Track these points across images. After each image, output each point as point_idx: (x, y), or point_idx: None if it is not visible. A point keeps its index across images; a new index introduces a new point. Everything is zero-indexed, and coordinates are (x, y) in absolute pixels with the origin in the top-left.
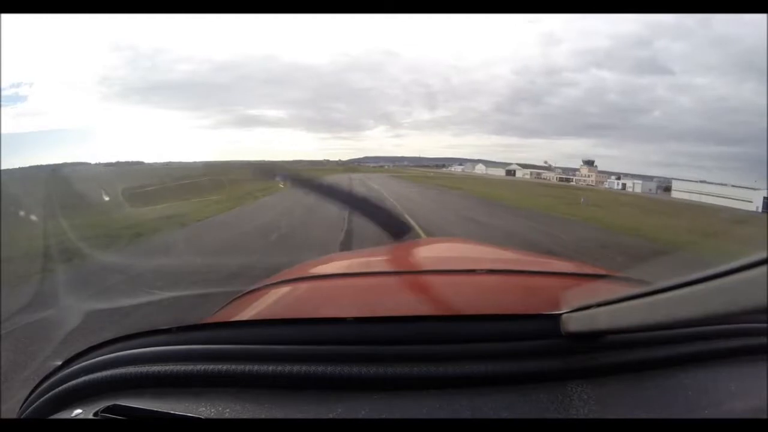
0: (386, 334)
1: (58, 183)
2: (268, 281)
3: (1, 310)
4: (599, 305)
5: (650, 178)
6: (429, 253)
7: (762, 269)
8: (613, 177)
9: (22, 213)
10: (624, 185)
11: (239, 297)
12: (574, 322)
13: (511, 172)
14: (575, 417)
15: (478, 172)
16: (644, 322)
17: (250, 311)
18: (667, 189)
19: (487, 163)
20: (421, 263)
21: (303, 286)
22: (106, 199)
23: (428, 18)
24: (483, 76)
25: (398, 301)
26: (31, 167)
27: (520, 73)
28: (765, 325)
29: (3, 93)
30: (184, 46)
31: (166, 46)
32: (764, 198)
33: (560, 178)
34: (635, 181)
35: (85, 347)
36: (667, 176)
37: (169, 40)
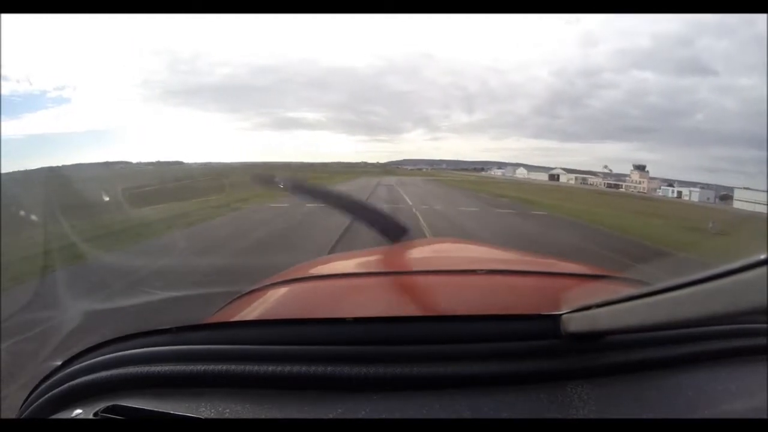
0: (386, 335)
1: (59, 183)
2: (267, 281)
3: (1, 310)
4: (599, 305)
5: (695, 183)
6: (429, 253)
7: (762, 270)
8: (661, 183)
9: (22, 213)
10: (680, 193)
11: (239, 297)
12: (574, 323)
13: (554, 177)
14: (575, 417)
15: (520, 176)
16: (645, 323)
17: (250, 311)
18: (725, 198)
19: (528, 167)
20: (422, 263)
21: (303, 286)
22: (107, 199)
23: (465, 19)
24: (521, 78)
25: (398, 301)
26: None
27: (558, 75)
28: (765, 325)
29: (47, 95)
30: (223, 50)
31: (204, 50)
32: None
33: (608, 184)
34: (692, 189)
35: (85, 347)
36: (709, 182)
37: (207, 45)
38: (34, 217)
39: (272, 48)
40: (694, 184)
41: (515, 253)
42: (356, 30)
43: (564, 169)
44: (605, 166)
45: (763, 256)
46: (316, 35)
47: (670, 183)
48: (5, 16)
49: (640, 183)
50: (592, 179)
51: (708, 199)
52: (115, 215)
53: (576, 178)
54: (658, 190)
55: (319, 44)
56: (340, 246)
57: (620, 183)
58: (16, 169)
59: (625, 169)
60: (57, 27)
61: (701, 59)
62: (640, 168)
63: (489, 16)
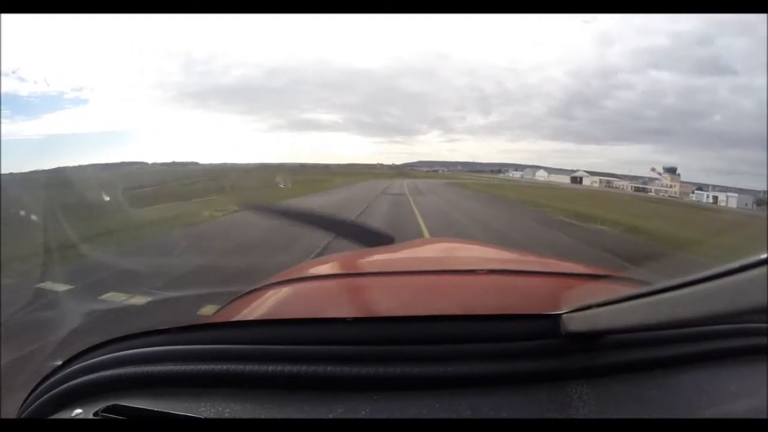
0: (386, 334)
1: (60, 183)
2: (268, 281)
3: (1, 310)
4: (599, 305)
5: (712, 186)
6: (429, 253)
7: (762, 269)
8: (692, 187)
9: (22, 212)
10: (716, 198)
11: (239, 297)
12: (574, 322)
13: (576, 180)
14: (575, 417)
15: (540, 178)
16: (645, 322)
17: (250, 311)
18: (762, 203)
19: (548, 170)
20: (421, 263)
21: (303, 286)
22: (107, 199)
23: (480, 20)
24: (537, 79)
25: (398, 301)
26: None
27: (574, 76)
28: (765, 325)
29: (65, 96)
30: (238, 52)
31: (219, 51)
32: None
33: (636, 187)
34: (729, 194)
35: (84, 347)
36: (728, 185)
37: (222, 46)
38: (34, 217)
39: (286, 49)
40: (711, 187)
41: (515, 253)
42: (371, 31)
43: (587, 171)
44: (652, 168)
45: (763, 256)
46: (330, 36)
47: (700, 186)
48: (22, 17)
49: (671, 187)
50: (617, 182)
51: (746, 204)
52: (113, 215)
53: (600, 181)
54: (691, 195)
55: (334, 45)
56: None
57: (648, 186)
58: (32, 169)
59: (642, 171)
60: (73, 28)
61: (721, 58)
62: (671, 170)
63: (505, 16)
